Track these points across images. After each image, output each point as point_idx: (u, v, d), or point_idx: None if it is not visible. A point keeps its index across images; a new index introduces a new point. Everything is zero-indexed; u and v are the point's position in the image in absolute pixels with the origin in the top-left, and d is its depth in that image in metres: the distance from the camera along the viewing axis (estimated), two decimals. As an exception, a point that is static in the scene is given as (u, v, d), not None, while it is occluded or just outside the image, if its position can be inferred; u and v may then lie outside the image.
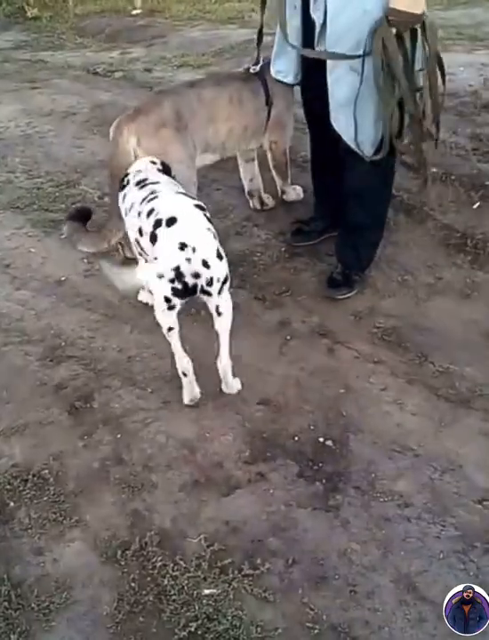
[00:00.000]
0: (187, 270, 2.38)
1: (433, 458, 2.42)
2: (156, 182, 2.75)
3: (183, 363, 2.61)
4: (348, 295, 3.17)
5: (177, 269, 2.37)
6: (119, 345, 2.93)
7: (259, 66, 3.31)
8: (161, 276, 2.38)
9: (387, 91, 2.61)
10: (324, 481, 2.36)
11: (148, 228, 2.51)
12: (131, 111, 3.25)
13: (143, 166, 2.91)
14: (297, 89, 3.32)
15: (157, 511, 2.27)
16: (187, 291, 2.42)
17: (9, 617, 1.99)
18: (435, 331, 2.98)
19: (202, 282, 2.41)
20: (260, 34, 3.23)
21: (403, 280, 3.28)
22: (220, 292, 2.47)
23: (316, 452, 2.46)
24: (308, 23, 2.80)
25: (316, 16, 2.70)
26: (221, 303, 2.50)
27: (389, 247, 3.45)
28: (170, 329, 2.53)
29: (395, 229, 3.56)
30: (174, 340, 2.57)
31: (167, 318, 2.50)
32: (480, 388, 2.68)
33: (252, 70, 3.34)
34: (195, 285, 2.41)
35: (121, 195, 2.84)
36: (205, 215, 2.53)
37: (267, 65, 3.26)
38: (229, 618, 1.96)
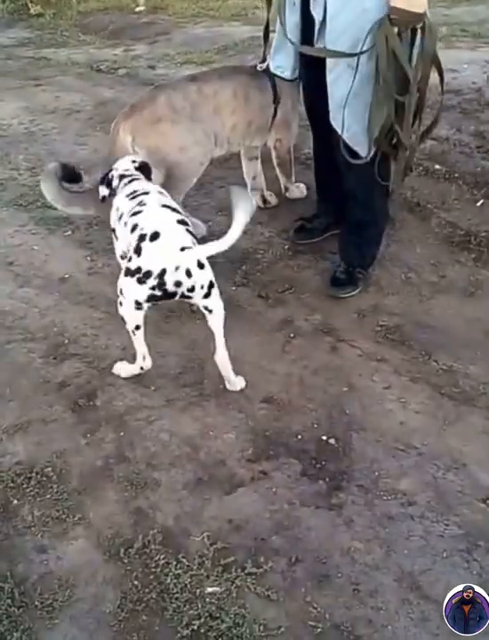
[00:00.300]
0: (169, 279, 2.42)
1: (437, 456, 2.42)
2: (146, 193, 2.76)
3: (143, 362, 2.69)
4: (352, 293, 3.17)
5: (160, 277, 2.42)
6: (122, 343, 2.93)
7: (266, 63, 3.30)
8: (142, 281, 2.43)
9: (386, 89, 2.60)
10: (327, 479, 2.35)
11: (133, 242, 2.53)
12: (127, 108, 3.28)
13: (124, 166, 2.95)
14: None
15: (160, 509, 2.27)
16: (165, 296, 2.47)
17: (12, 615, 1.99)
18: (438, 329, 2.98)
19: (182, 289, 2.45)
20: (267, 31, 3.22)
21: (406, 278, 3.28)
22: (206, 296, 2.50)
23: (320, 451, 2.45)
24: (307, 20, 2.80)
25: (316, 13, 2.70)
26: (210, 304, 2.53)
27: (393, 245, 3.45)
28: (137, 327, 2.59)
29: (398, 227, 3.56)
30: (139, 338, 2.63)
31: (136, 318, 2.56)
32: (484, 387, 2.67)
33: (259, 68, 3.34)
34: (174, 292, 2.46)
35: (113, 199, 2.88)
36: (188, 230, 2.55)
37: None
38: (232, 616, 1.96)
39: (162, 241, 2.46)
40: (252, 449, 2.46)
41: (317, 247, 3.50)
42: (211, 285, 2.49)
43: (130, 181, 2.86)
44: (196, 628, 1.94)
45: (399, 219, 3.59)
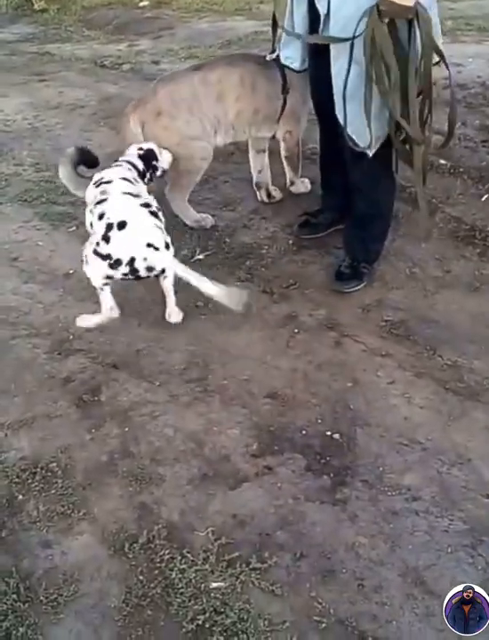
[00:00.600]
0: (141, 266, 2.70)
1: (441, 451, 2.41)
2: (109, 182, 2.91)
3: (111, 312, 2.87)
4: (357, 288, 3.16)
5: (130, 264, 2.68)
6: (127, 338, 2.93)
7: (275, 54, 3.31)
8: (114, 267, 2.69)
9: (380, 82, 2.59)
10: (331, 474, 2.35)
11: (100, 230, 2.73)
12: (135, 100, 3.44)
13: (130, 152, 3.16)
14: None
15: (165, 504, 2.28)
16: (137, 279, 2.77)
17: (17, 609, 2.00)
18: (443, 324, 2.97)
19: (154, 272, 2.75)
20: (275, 23, 3.22)
21: (411, 273, 3.27)
22: (163, 272, 2.79)
23: (324, 446, 2.45)
24: (314, 13, 2.82)
25: (320, 6, 2.73)
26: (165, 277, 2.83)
27: (398, 240, 3.44)
28: (105, 284, 2.81)
29: (403, 222, 3.55)
30: (106, 293, 2.83)
31: (103, 280, 2.80)
32: (488, 382, 2.67)
33: (267, 58, 3.35)
34: (147, 276, 2.75)
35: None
36: (151, 211, 2.78)
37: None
38: (237, 611, 1.96)
39: (128, 230, 2.68)
40: (257, 444, 2.46)
41: (322, 242, 3.50)
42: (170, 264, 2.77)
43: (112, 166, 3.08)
44: (200, 622, 1.94)
45: (404, 213, 3.58)
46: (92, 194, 2.93)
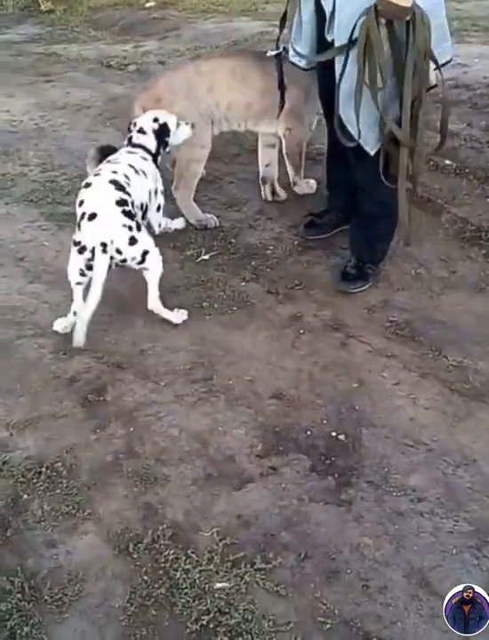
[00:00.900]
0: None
1: (446, 452, 2.41)
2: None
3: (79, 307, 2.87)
4: (362, 288, 3.16)
5: (92, 252, 2.74)
6: (132, 338, 2.93)
7: (277, 51, 3.36)
8: (80, 253, 2.77)
9: (371, 81, 2.59)
10: (336, 475, 2.35)
11: (77, 218, 2.83)
12: (143, 89, 3.67)
13: (142, 122, 3.23)
14: None
15: (170, 504, 2.28)
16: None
17: (22, 609, 2.00)
18: (448, 324, 2.97)
19: (114, 262, 2.79)
20: (283, 21, 3.22)
21: (416, 274, 3.27)
22: (141, 262, 2.84)
23: (329, 447, 2.45)
24: (321, 11, 2.82)
25: (326, 4, 2.74)
26: (145, 265, 2.86)
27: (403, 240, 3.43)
28: (78, 283, 2.87)
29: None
30: (77, 293, 2.89)
31: (76, 278, 2.86)
32: (494, 383, 2.67)
33: (268, 54, 3.40)
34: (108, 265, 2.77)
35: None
36: (124, 210, 2.79)
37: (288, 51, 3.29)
38: (241, 611, 1.96)
39: (97, 222, 2.75)
40: (262, 445, 2.46)
41: (327, 243, 3.49)
42: (145, 253, 2.83)
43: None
44: (205, 623, 1.94)
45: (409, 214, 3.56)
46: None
